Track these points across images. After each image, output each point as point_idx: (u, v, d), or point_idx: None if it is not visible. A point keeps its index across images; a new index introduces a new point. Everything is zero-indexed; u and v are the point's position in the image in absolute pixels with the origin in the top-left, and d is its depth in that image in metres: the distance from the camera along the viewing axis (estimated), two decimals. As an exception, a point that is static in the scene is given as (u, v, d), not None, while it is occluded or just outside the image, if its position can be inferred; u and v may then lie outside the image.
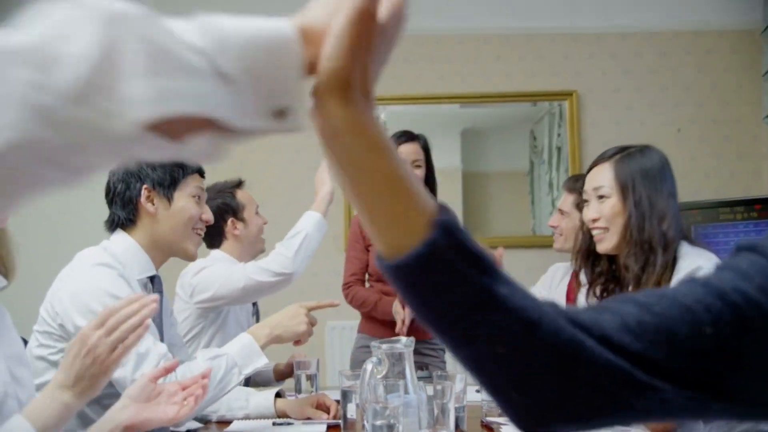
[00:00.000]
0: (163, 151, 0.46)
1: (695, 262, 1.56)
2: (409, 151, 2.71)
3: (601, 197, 1.71)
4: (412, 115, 4.18)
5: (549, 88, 4.12)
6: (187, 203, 1.79)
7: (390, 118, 4.17)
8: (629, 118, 4.12)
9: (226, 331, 2.27)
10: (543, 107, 4.20)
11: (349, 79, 0.50)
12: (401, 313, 2.59)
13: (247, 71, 0.46)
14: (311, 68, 0.50)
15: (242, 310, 2.41)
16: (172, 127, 0.45)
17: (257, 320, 2.48)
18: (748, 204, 3.35)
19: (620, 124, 4.13)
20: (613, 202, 1.69)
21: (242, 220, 2.36)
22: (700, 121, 4.10)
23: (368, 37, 0.50)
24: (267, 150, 4.09)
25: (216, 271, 2.19)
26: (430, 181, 2.77)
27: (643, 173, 1.67)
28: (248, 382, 2.36)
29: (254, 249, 2.44)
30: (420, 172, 2.71)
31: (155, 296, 1.25)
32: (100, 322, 1.19)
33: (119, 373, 1.48)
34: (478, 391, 1.93)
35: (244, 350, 1.69)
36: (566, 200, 2.54)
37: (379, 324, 2.76)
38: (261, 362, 1.71)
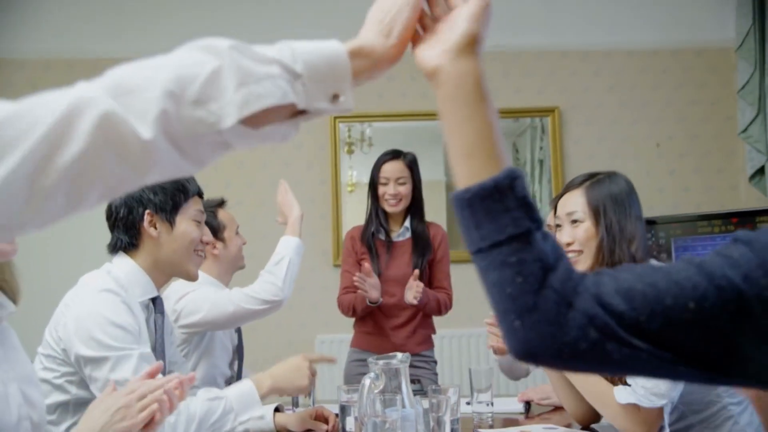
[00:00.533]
0: (252, 140, 0.69)
1: None
2: (393, 169, 2.80)
3: (574, 222, 1.77)
4: (397, 130, 4.25)
5: (533, 105, 4.22)
6: (189, 227, 1.83)
7: (375, 134, 4.25)
8: (611, 134, 4.23)
9: (212, 354, 2.28)
10: (525, 121, 4.29)
11: (480, 39, 0.77)
12: (370, 279, 2.67)
13: (310, 69, 0.70)
14: (357, 73, 0.74)
15: (226, 334, 2.42)
16: (258, 120, 0.68)
17: (239, 340, 2.48)
18: (726, 217, 3.46)
19: (602, 139, 4.23)
20: (586, 226, 1.75)
21: (222, 240, 2.37)
22: (679, 136, 4.22)
23: (488, 17, 0.79)
24: (254, 166, 4.14)
25: (203, 295, 2.19)
26: (416, 197, 2.85)
27: (613, 198, 1.74)
28: None
29: (233, 267, 2.46)
30: (404, 189, 2.80)
31: (177, 381, 1.31)
32: (131, 390, 1.28)
33: None
34: (468, 404, 1.99)
35: (244, 397, 1.72)
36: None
37: (370, 337, 2.83)
38: (258, 412, 1.73)
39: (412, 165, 2.83)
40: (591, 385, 1.68)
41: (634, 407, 1.59)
